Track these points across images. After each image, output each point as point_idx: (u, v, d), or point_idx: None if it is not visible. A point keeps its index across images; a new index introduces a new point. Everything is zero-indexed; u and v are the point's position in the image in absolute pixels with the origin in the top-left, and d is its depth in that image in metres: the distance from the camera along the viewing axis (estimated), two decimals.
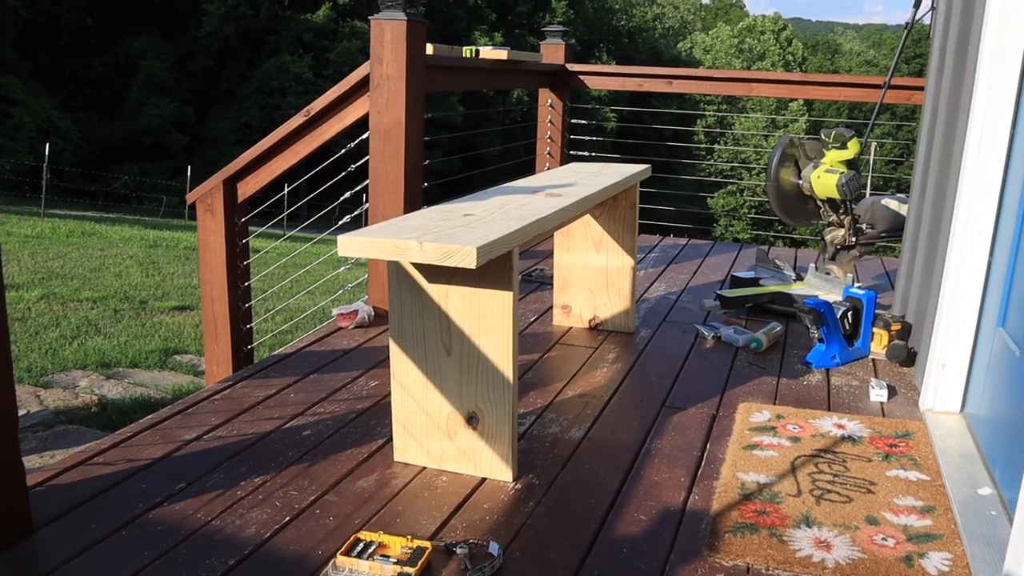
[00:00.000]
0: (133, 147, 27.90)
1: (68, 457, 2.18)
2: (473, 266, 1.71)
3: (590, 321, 3.21)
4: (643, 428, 2.36)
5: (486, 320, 1.94)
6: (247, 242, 3.73)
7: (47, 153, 17.90)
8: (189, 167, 22.18)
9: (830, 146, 3.41)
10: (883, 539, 1.76)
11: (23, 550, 1.73)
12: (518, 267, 1.92)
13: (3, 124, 23.90)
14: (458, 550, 1.72)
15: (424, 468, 2.10)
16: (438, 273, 1.95)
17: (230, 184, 3.56)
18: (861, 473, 2.07)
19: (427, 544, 1.72)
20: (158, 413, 2.44)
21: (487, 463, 2.03)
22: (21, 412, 4.24)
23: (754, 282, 3.66)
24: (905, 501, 1.93)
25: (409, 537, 1.75)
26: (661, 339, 3.15)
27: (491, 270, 1.89)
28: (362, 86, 3.25)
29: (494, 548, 1.73)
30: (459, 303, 1.95)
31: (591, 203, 2.49)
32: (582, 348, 3.02)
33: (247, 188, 3.58)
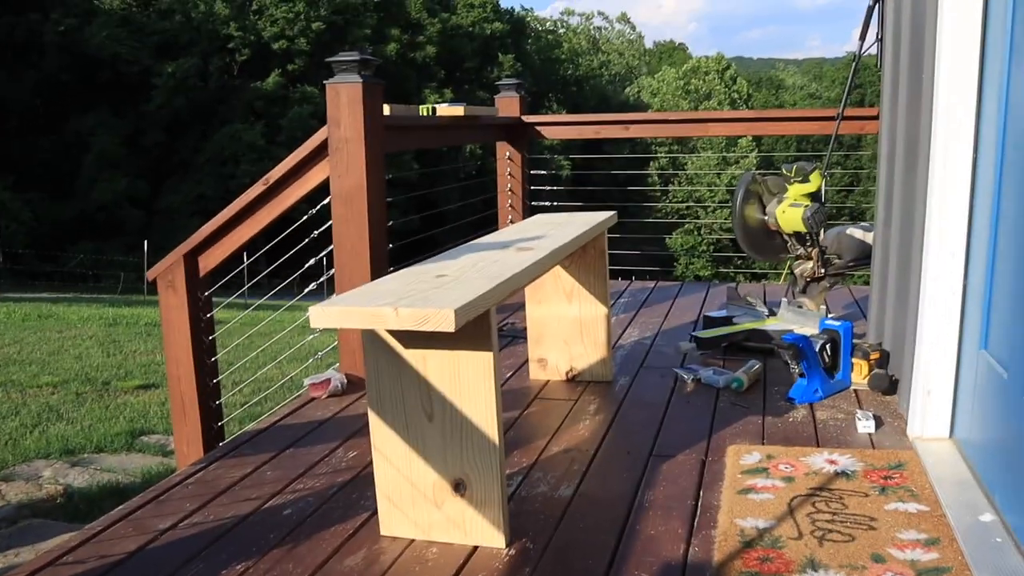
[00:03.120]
0: (87, 225, 27.58)
1: (36, 558, 2.06)
2: (452, 329, 1.66)
3: (567, 373, 3.16)
4: (633, 480, 2.30)
5: (467, 383, 1.88)
6: (211, 316, 3.64)
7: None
8: (146, 242, 21.93)
9: (792, 180, 3.44)
10: None
11: None
12: (496, 326, 1.87)
13: None
14: None
15: (413, 540, 2.01)
16: (414, 338, 1.89)
17: (191, 258, 3.48)
18: (860, 509, 2.02)
19: None
20: (129, 503, 2.33)
21: (478, 530, 1.96)
22: None
23: (727, 321, 3.65)
24: (908, 535, 1.89)
25: None
26: (641, 386, 3.11)
27: (469, 331, 1.84)
28: (321, 151, 3.22)
29: None
30: (438, 367, 1.90)
31: (563, 254, 2.46)
32: (562, 401, 2.96)
33: (208, 261, 3.51)
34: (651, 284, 5.02)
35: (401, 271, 2.19)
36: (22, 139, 28.52)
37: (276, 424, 2.92)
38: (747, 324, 3.51)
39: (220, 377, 3.75)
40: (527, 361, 3.24)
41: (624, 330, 3.93)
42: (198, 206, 26.55)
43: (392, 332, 1.91)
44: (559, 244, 2.44)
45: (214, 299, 3.72)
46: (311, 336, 3.95)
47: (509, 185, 5.01)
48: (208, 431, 3.63)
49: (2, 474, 4.59)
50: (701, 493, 2.20)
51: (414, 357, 1.91)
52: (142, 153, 29.33)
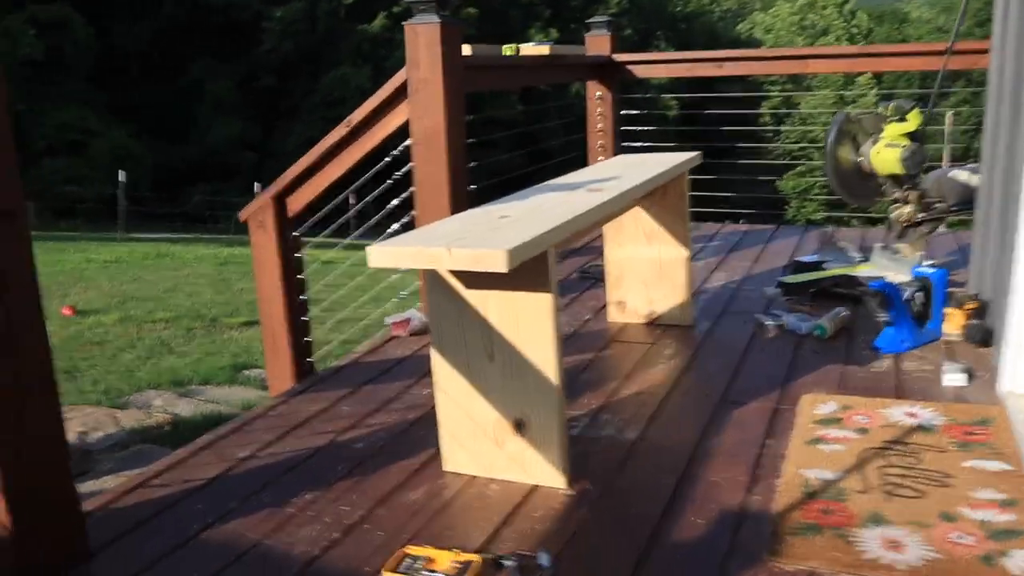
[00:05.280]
0: (204, 168, 28.63)
1: (127, 480, 2.20)
2: (505, 270, 1.66)
3: (646, 316, 3.13)
4: (701, 425, 2.27)
5: (526, 324, 1.88)
6: (301, 256, 3.74)
7: (123, 180, 18.49)
8: (258, 184, 22.66)
9: (889, 119, 3.26)
10: (960, 537, 1.65)
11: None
12: (556, 268, 1.86)
13: (82, 155, 24.80)
14: (507, 563, 1.67)
15: (474, 477, 2.05)
16: (475, 279, 1.90)
17: (279, 200, 3.58)
18: (935, 465, 1.95)
19: (475, 558, 1.68)
20: (215, 431, 2.45)
21: (538, 470, 1.98)
22: (99, 434, 4.35)
23: (818, 266, 3.52)
24: (984, 494, 1.81)
25: (457, 551, 1.70)
26: (720, 331, 3.05)
27: (527, 273, 1.83)
28: (401, 92, 3.23)
29: (544, 559, 1.67)
30: (497, 308, 1.90)
31: (635, 196, 2.42)
32: (638, 344, 2.94)
33: (296, 202, 3.59)
34: (744, 228, 4.88)
35: (467, 212, 2.19)
36: (142, 87, 29.70)
37: (356, 361, 3.00)
38: (837, 270, 3.39)
39: (311, 315, 3.86)
40: (606, 304, 3.22)
41: (711, 274, 3.85)
42: (307, 149, 27.12)
43: (453, 273, 1.92)
44: (631, 186, 2.39)
45: (304, 239, 3.82)
46: (395, 276, 4.02)
47: (600, 125, 4.93)
48: (298, 366, 3.76)
49: (118, 402, 4.89)
50: (769, 441, 2.15)
51: (474, 297, 1.92)
52: (254, 97, 30.13)
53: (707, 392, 2.50)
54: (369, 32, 29.83)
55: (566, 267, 4.08)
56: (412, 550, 1.72)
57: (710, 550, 1.70)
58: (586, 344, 2.96)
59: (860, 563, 1.58)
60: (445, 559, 1.68)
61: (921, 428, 2.14)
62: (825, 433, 2.14)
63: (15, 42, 23.12)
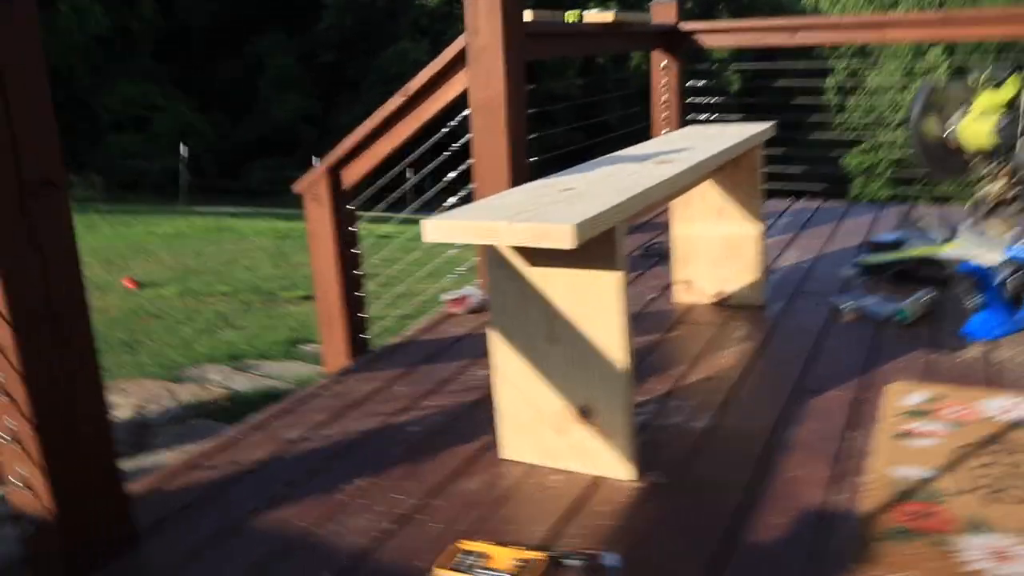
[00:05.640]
0: (265, 143, 28.93)
1: (175, 461, 2.14)
2: (570, 246, 1.53)
3: (714, 296, 2.97)
4: (776, 415, 2.12)
5: (592, 305, 1.75)
6: (356, 229, 3.66)
7: (185, 154, 18.75)
8: (314, 158, 22.80)
9: (982, 88, 3.03)
10: None
11: (128, 559, 1.68)
12: (625, 244, 1.73)
13: (147, 130, 25.25)
14: (570, 562, 1.56)
15: (534, 466, 1.94)
16: (537, 255, 1.78)
17: (334, 172, 3.49)
18: None
19: (537, 556, 1.56)
20: (266, 411, 2.38)
21: (603, 460, 1.86)
22: (157, 407, 4.36)
23: (898, 246, 3.32)
24: None
25: (518, 548, 1.59)
26: (794, 313, 2.88)
27: (594, 249, 1.70)
28: (459, 60, 3.10)
29: (610, 559, 1.56)
30: (561, 287, 1.78)
31: (707, 168, 2.26)
32: (706, 326, 2.79)
33: (351, 174, 3.50)
34: (815, 204, 4.66)
35: (529, 184, 2.07)
36: (206, 63, 30.06)
37: (412, 339, 2.90)
38: (920, 250, 3.18)
39: (364, 290, 3.78)
40: (672, 283, 3.07)
41: (781, 252, 3.67)
42: None
43: (513, 249, 1.80)
44: (703, 157, 2.24)
45: (359, 212, 3.74)
46: (452, 251, 3.92)
47: (664, 97, 4.74)
48: (353, 342, 3.69)
49: (175, 376, 4.89)
50: (851, 434, 2.00)
51: (536, 275, 1.79)
52: (315, 72, 30.28)
53: (781, 378, 2.35)
54: (428, 6, 29.72)
55: (629, 243, 3.93)
56: (467, 545, 1.61)
57: (790, 555, 1.56)
58: (651, 325, 2.82)
59: (961, 575, 1.43)
60: (504, 556, 1.58)
61: (1022, 425, 1.96)
62: (913, 427, 1.97)
63: (84, 19, 23.57)
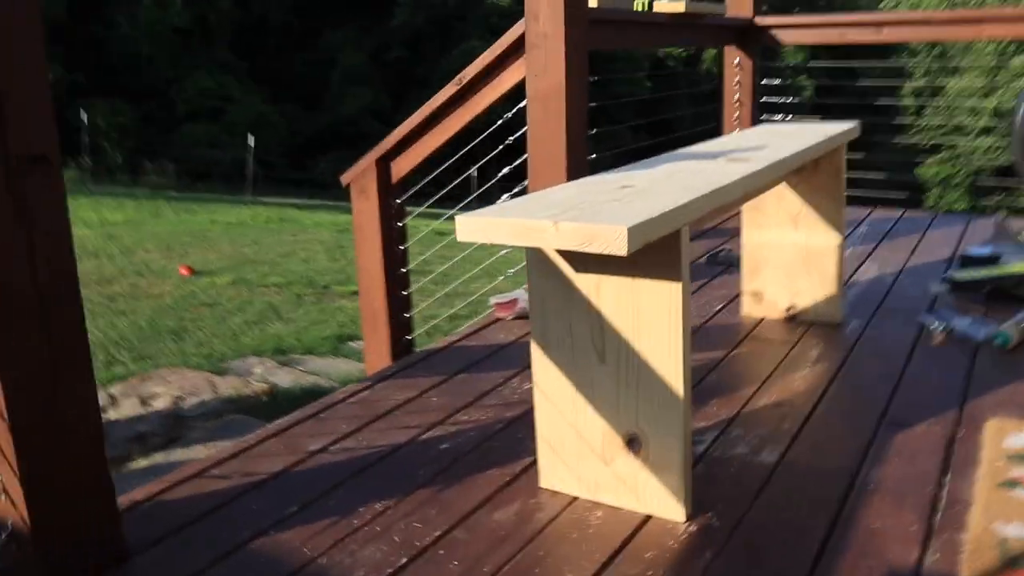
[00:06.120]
0: (335, 137, 29.15)
1: (185, 467, 1.97)
2: (624, 252, 1.30)
3: (787, 310, 2.70)
4: (857, 451, 1.86)
5: (648, 319, 1.52)
6: (404, 225, 3.47)
7: (252, 145, 18.94)
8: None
9: None
10: None
11: None
12: (688, 251, 1.49)
13: (221, 120, 25.63)
14: None
15: (575, 499, 1.71)
16: (586, 259, 1.55)
17: (383, 163, 3.30)
18: None
19: None
20: (287, 418, 2.20)
21: (652, 497, 1.62)
22: (195, 400, 4.24)
23: (993, 260, 3.00)
24: None
25: None
26: (876, 332, 2.59)
27: (653, 255, 1.47)
28: (517, 48, 2.89)
29: None
30: (613, 297, 1.54)
31: (784, 169, 2.00)
32: (777, 344, 2.52)
33: (401, 167, 3.31)
34: (897, 213, 4.33)
35: (583, 179, 1.84)
36: (279, 56, 30.42)
37: (454, 344, 2.70)
38: (1019, 266, 2.85)
39: (411, 288, 3.60)
40: (739, 295, 2.81)
41: (861, 264, 3.36)
42: None
43: (560, 252, 1.57)
44: (780, 157, 1.98)
45: (409, 208, 3.56)
46: (504, 251, 3.71)
47: (737, 95, 4.46)
48: (397, 343, 3.51)
49: (219, 368, 4.78)
50: (947, 480, 1.72)
51: (585, 283, 1.57)
52: (385, 68, 30.41)
53: (863, 408, 2.07)
54: (500, 5, 29.59)
55: (695, 249, 3.66)
56: None
57: None
58: (715, 341, 2.57)
59: None
60: None
61: None
62: (1022, 474, 1.69)
63: (166, 11, 24.10)
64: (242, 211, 12.67)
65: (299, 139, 29.06)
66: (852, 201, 4.49)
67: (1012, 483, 1.66)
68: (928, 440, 1.89)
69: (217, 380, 4.49)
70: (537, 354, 1.67)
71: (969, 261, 3.07)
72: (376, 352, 3.55)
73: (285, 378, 4.64)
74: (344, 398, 2.29)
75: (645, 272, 1.49)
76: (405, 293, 3.54)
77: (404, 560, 1.53)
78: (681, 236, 1.45)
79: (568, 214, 1.41)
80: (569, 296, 1.59)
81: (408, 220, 3.50)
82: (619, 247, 1.29)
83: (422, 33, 30.45)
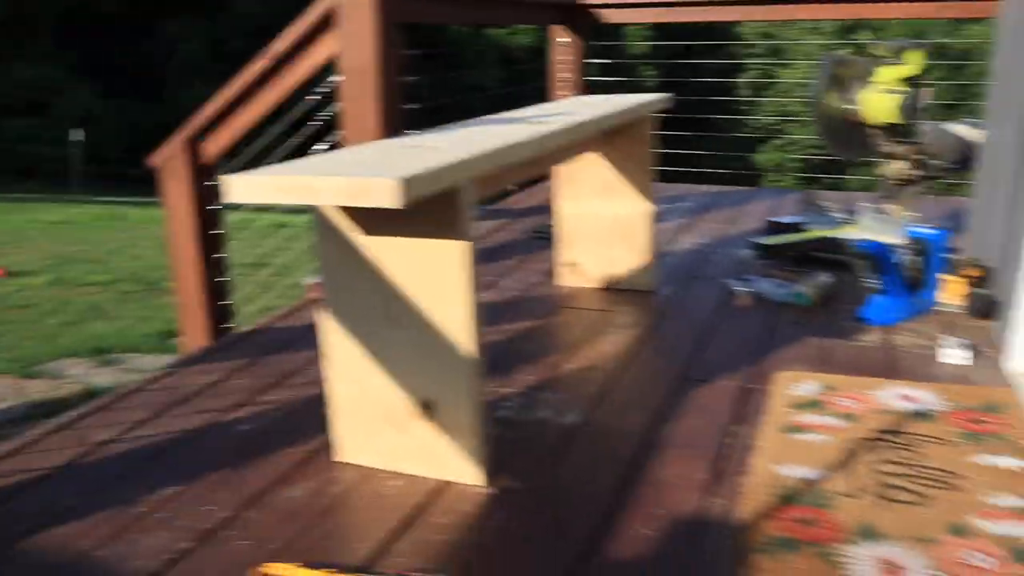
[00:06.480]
0: (172, 129, 27.90)
1: None
2: (397, 205, 1.26)
3: (602, 280, 2.74)
4: (655, 409, 1.89)
5: (435, 280, 1.49)
6: (219, 208, 3.31)
7: (79, 139, 17.85)
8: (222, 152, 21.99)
9: (885, 62, 2.87)
10: (977, 558, 1.29)
11: None
12: (471, 208, 1.47)
13: (46, 115, 24.00)
14: None
15: (374, 471, 1.66)
16: (370, 221, 1.50)
17: (193, 144, 3.14)
18: (939, 461, 1.58)
19: None
20: (79, 409, 2.05)
21: (449, 462, 1.59)
22: (1, 405, 3.93)
23: (797, 228, 3.15)
24: (1003, 500, 1.44)
25: (332, 571, 1.32)
26: (687, 298, 2.67)
27: (436, 214, 1.44)
28: (328, 20, 2.80)
29: None
30: (401, 260, 1.50)
31: (585, 132, 2.02)
32: (590, 312, 2.55)
33: (214, 147, 3.16)
34: (717, 189, 4.49)
35: (376, 142, 1.79)
36: (112, 46, 28.80)
37: (266, 327, 2.60)
38: (819, 231, 3.01)
39: (228, 275, 3.45)
40: (556, 265, 2.83)
41: (678, 236, 3.47)
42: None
43: (346, 214, 1.52)
44: (581, 120, 1.99)
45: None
46: None
47: (564, 75, 4.51)
48: (217, 334, 3.36)
49: (30, 371, 4.45)
50: (736, 429, 1.78)
51: (372, 246, 1.52)
52: (225, 60, 29.33)
53: (666, 368, 2.12)
54: None
55: (518, 226, 3.68)
56: (272, 568, 1.33)
57: (656, 570, 1.32)
58: (530, 310, 2.58)
59: None
60: None
61: (919, 414, 1.78)
62: (803, 419, 1.77)
63: None
64: (70, 209, 11.89)
65: (135, 133, 27.63)
66: (685, 181, 4.65)
67: (794, 428, 1.73)
68: (723, 394, 1.95)
69: (25, 384, 4.18)
70: (328, 322, 1.61)
71: (776, 228, 3.22)
72: (195, 343, 3.38)
73: (105, 378, 4.37)
74: (142, 386, 2.16)
75: (430, 232, 1.46)
76: (223, 279, 3.39)
77: (189, 544, 1.44)
78: (462, 193, 1.42)
79: (342, 170, 1.36)
80: (357, 260, 1.54)
81: (228, 208, 3.35)
82: (392, 199, 1.25)
83: (263, 24, 29.60)
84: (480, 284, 2.87)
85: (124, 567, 1.39)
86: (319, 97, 3.10)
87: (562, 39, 4.48)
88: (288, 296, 5.43)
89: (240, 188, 1.38)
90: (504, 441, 1.76)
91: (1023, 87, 2.30)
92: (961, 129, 3.03)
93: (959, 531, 1.35)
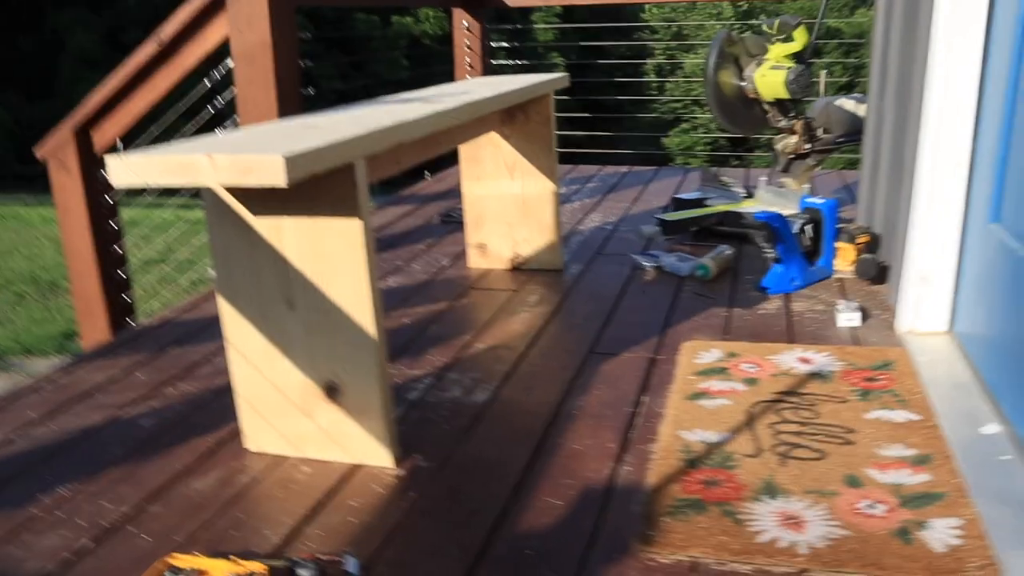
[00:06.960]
0: None
1: None
2: (283, 183, 1.23)
3: (511, 260, 2.75)
4: (564, 383, 1.91)
5: (332, 260, 1.46)
6: (114, 200, 3.20)
7: None
8: (119, 141, 21.20)
9: (774, 39, 2.95)
10: (870, 506, 1.34)
11: None
12: (366, 185, 1.45)
13: None
14: (303, 571, 1.27)
15: (284, 458, 1.63)
16: (265, 201, 1.47)
17: (83, 133, 3.02)
18: (835, 418, 1.64)
19: (258, 568, 1.27)
20: None
21: (357, 445, 1.58)
22: None
23: (700, 203, 3.22)
24: (893, 451, 1.51)
25: (235, 559, 1.29)
26: (593, 275, 2.70)
27: (330, 193, 1.42)
28: (219, 2, 2.72)
29: (351, 565, 1.28)
30: (296, 240, 1.48)
31: (480, 111, 2.01)
32: (499, 292, 2.56)
33: (105, 135, 3.05)
34: (624, 169, 4.56)
35: (269, 122, 1.74)
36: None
37: (170, 320, 2.52)
38: (720, 206, 3.08)
39: (127, 270, 3.33)
40: (466, 248, 2.83)
41: (586, 215, 3.50)
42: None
43: (238, 195, 1.48)
44: (477, 98, 1.99)
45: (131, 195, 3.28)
46: None
47: (468, 60, 4.50)
48: (118, 330, 3.24)
49: None
50: (644, 399, 1.81)
51: (266, 227, 1.49)
52: (122, 51, 28.26)
53: (574, 344, 2.15)
54: None
55: (427, 211, 3.66)
56: (178, 559, 1.30)
57: (567, 542, 1.34)
58: (439, 293, 2.57)
59: (753, 548, 1.25)
60: (220, 570, 1.27)
61: (816, 375, 1.84)
62: (708, 386, 1.81)
63: None
64: None
65: (26, 130, 26.41)
66: (594, 163, 4.69)
67: (698, 395, 1.77)
68: (630, 365, 1.98)
69: None
70: (225, 307, 1.57)
71: (679, 204, 3.28)
72: (94, 340, 3.26)
73: (1, 384, 4.18)
74: (37, 385, 2.07)
75: (324, 210, 1.44)
76: (122, 273, 3.28)
77: (87, 542, 1.39)
78: (356, 171, 1.40)
79: (228, 148, 1.32)
80: (251, 242, 1.50)
81: (122, 202, 3.23)
82: (278, 177, 1.23)
83: (160, 13, 28.62)
84: (389, 268, 2.86)
85: (18, 571, 1.34)
86: (215, 82, 3.03)
87: (465, 22, 4.46)
88: (192, 290, 5.29)
89: (122, 169, 1.33)
90: (414, 422, 1.75)
91: (897, 64, 2.39)
92: (849, 104, 3.14)
93: (854, 482, 1.41)
